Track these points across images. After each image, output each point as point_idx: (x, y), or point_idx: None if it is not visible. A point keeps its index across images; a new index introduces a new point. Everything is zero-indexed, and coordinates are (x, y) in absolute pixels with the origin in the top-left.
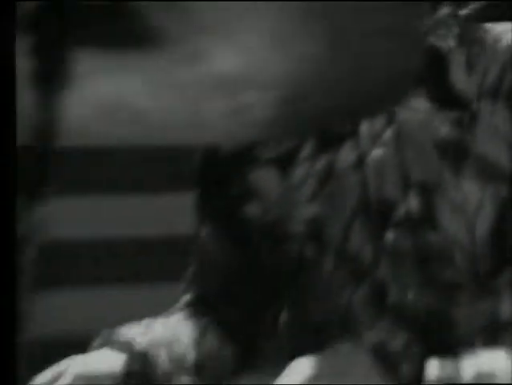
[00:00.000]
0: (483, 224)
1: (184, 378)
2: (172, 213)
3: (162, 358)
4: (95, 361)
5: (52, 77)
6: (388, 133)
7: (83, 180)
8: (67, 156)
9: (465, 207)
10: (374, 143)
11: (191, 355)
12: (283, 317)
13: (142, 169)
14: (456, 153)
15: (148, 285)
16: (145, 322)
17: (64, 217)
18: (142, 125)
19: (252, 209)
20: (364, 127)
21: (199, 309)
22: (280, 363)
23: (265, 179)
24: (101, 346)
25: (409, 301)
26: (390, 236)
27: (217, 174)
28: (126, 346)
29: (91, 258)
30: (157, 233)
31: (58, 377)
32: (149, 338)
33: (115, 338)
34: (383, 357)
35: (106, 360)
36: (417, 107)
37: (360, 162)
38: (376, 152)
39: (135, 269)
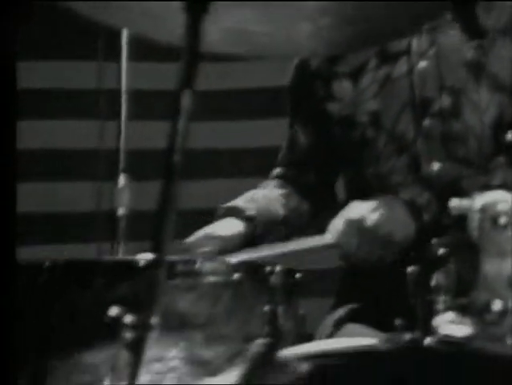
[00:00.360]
0: (488, 119)
1: (278, 228)
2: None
3: (264, 217)
4: (222, 227)
5: (197, 10)
6: (431, 52)
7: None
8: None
9: (479, 106)
10: (421, 58)
11: (281, 212)
12: (345, 181)
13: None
14: (476, 69)
15: (253, 177)
16: (250, 193)
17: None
18: (253, 44)
19: (332, 107)
20: (414, 47)
21: (286, 180)
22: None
23: (342, 86)
24: (223, 216)
25: (434, 173)
26: (426, 123)
27: (308, 82)
28: (240, 214)
29: (216, 160)
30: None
31: (200, 241)
32: (255, 206)
33: (232, 208)
34: (412, 208)
35: (231, 226)
36: (453, 35)
37: (410, 71)
38: (422, 64)
39: (245, 168)
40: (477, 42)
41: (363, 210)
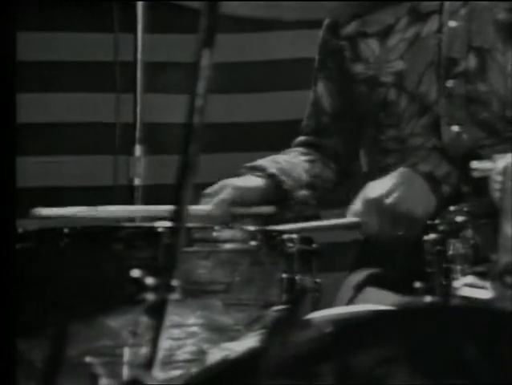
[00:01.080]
0: None
1: (302, 192)
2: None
3: (286, 179)
4: (244, 180)
5: None
6: (462, 11)
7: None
8: None
9: (506, 69)
10: (452, 17)
11: (304, 177)
12: (366, 148)
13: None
14: (506, 31)
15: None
16: (272, 156)
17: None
18: (273, 7)
19: (358, 67)
20: (447, 6)
21: (310, 146)
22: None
23: (368, 46)
24: (245, 172)
25: (451, 142)
26: (450, 83)
27: (335, 44)
28: (262, 171)
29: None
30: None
31: (220, 189)
32: (276, 166)
33: (253, 167)
34: (431, 181)
35: (251, 180)
36: None
37: (439, 30)
38: (451, 24)
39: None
40: (509, 3)
41: (381, 189)
